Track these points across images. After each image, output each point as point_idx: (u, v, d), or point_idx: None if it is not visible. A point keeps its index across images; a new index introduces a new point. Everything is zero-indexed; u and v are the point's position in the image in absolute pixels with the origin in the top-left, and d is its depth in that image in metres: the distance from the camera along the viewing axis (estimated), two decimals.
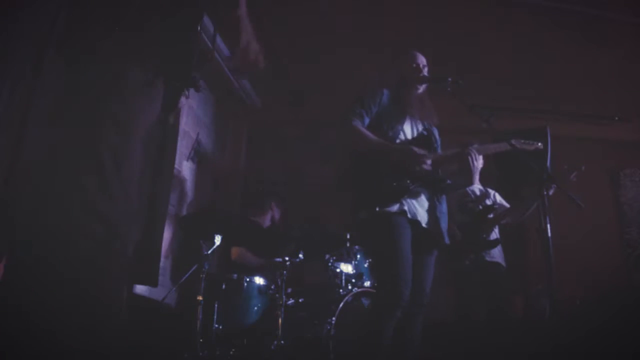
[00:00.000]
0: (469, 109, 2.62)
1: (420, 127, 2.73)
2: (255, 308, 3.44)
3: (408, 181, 2.48)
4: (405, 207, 2.46)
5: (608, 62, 4.52)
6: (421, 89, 2.72)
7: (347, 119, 2.52)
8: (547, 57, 4.54)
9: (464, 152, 2.69)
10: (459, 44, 4.30)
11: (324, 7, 4.07)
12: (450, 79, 2.61)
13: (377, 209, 2.41)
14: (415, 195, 2.52)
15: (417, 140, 2.65)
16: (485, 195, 3.70)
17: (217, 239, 3.40)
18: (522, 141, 2.75)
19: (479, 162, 3.54)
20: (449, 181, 2.60)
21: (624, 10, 3.90)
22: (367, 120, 2.55)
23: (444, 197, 2.66)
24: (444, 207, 2.63)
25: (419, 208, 2.54)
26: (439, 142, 2.76)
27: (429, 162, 2.56)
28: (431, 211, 2.58)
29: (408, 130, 2.68)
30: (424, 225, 2.52)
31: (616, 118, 5.48)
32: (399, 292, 2.28)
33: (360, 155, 2.55)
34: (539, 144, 2.80)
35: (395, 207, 2.43)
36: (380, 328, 2.28)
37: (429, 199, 2.59)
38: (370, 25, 4.25)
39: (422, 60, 2.75)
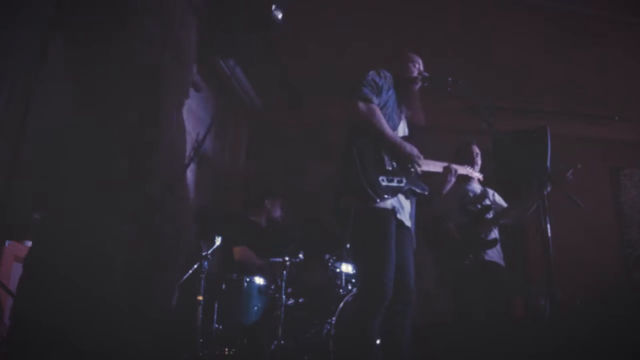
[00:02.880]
0: (469, 109, 2.62)
1: (407, 128, 2.74)
2: (255, 308, 3.44)
3: (405, 180, 2.50)
4: (396, 206, 2.47)
5: (608, 62, 4.52)
6: (416, 88, 2.72)
7: (365, 97, 2.46)
8: (547, 57, 4.54)
9: (445, 171, 2.76)
10: (459, 44, 4.30)
11: (323, 5, 4.07)
12: (450, 79, 2.61)
13: (372, 204, 2.39)
14: (402, 195, 2.54)
15: (409, 138, 2.66)
16: (484, 194, 3.70)
17: (217, 239, 3.40)
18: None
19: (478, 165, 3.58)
20: (426, 192, 2.60)
21: (624, 10, 3.90)
22: (376, 103, 2.52)
23: (414, 200, 2.67)
24: (413, 211, 2.65)
25: (405, 207, 2.56)
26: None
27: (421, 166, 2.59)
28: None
29: (401, 129, 2.68)
30: (407, 224, 2.54)
31: (616, 118, 5.48)
32: (383, 289, 2.29)
33: (360, 143, 2.47)
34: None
35: (388, 204, 2.43)
36: (366, 326, 2.28)
37: (409, 201, 2.62)
38: (370, 24, 4.25)
39: (419, 61, 2.75)
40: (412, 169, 2.55)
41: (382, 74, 2.58)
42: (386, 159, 2.48)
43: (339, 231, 3.82)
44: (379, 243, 2.36)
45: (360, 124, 2.49)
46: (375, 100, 2.49)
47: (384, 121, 2.48)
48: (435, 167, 2.73)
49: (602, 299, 3.57)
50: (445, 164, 2.79)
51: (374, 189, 2.38)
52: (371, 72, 2.56)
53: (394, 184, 2.46)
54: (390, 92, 2.60)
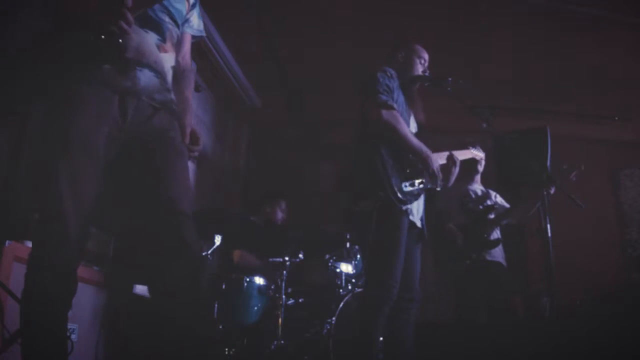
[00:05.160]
0: (469, 109, 2.62)
1: (415, 123, 2.74)
2: (255, 308, 3.43)
3: (425, 181, 2.50)
4: (409, 207, 2.47)
5: (608, 62, 4.52)
6: (416, 87, 2.72)
7: (385, 103, 2.44)
8: (547, 57, 4.54)
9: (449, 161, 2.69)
10: (459, 44, 4.30)
11: (323, 5, 4.07)
12: (450, 79, 2.61)
13: (388, 203, 2.38)
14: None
15: (417, 136, 2.66)
16: (486, 195, 3.71)
17: (217, 239, 3.39)
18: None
19: (481, 165, 3.58)
20: (439, 188, 2.59)
21: (624, 9, 3.90)
22: (395, 107, 2.50)
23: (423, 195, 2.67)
24: (422, 204, 2.66)
25: (419, 208, 2.56)
26: None
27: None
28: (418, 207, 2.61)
29: (412, 127, 2.68)
30: (419, 225, 2.55)
31: (616, 118, 5.48)
32: (388, 289, 2.29)
33: (383, 148, 2.45)
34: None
35: (403, 206, 2.43)
36: (371, 326, 2.29)
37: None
38: (370, 24, 4.25)
39: (425, 55, 2.75)
40: (431, 168, 2.52)
41: (388, 73, 2.55)
42: (406, 163, 2.48)
43: (340, 231, 3.86)
44: (388, 243, 2.36)
45: (383, 131, 2.46)
46: (395, 105, 2.48)
47: (405, 126, 2.48)
48: (442, 159, 2.70)
49: (602, 299, 3.57)
50: (448, 153, 2.73)
51: (399, 196, 2.38)
52: (379, 75, 2.52)
53: (416, 187, 2.47)
54: (398, 90, 2.59)
